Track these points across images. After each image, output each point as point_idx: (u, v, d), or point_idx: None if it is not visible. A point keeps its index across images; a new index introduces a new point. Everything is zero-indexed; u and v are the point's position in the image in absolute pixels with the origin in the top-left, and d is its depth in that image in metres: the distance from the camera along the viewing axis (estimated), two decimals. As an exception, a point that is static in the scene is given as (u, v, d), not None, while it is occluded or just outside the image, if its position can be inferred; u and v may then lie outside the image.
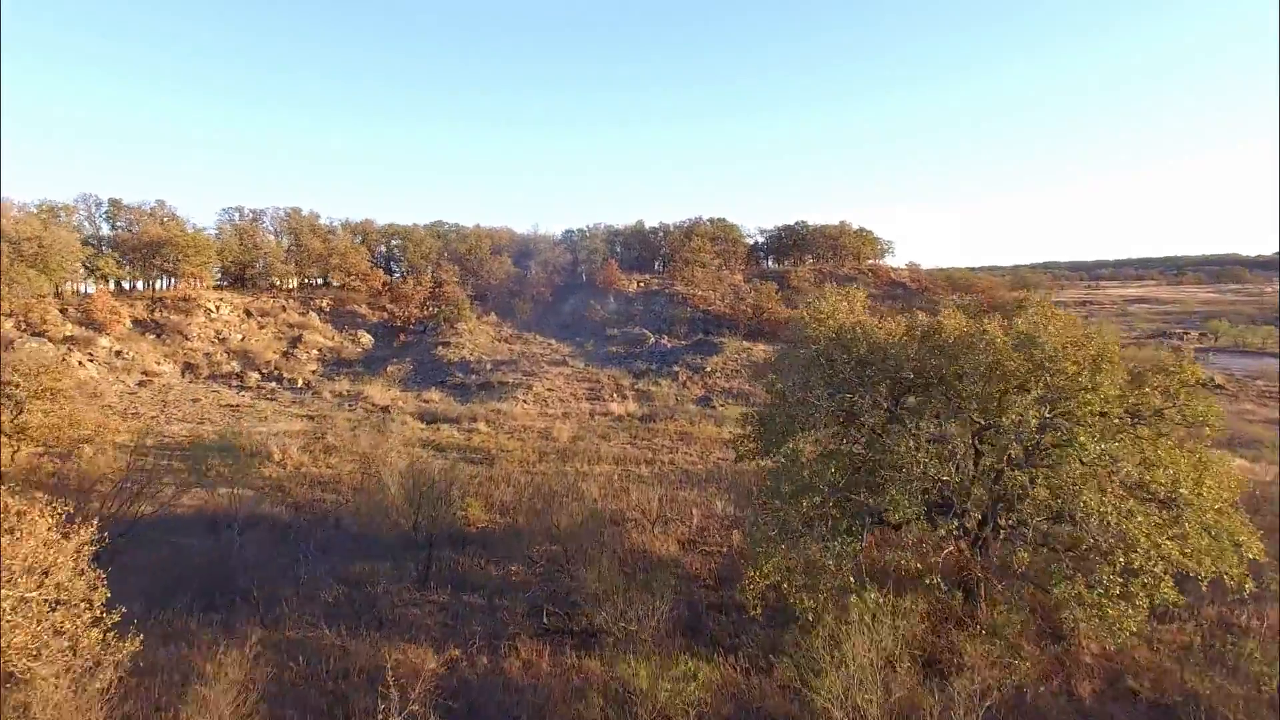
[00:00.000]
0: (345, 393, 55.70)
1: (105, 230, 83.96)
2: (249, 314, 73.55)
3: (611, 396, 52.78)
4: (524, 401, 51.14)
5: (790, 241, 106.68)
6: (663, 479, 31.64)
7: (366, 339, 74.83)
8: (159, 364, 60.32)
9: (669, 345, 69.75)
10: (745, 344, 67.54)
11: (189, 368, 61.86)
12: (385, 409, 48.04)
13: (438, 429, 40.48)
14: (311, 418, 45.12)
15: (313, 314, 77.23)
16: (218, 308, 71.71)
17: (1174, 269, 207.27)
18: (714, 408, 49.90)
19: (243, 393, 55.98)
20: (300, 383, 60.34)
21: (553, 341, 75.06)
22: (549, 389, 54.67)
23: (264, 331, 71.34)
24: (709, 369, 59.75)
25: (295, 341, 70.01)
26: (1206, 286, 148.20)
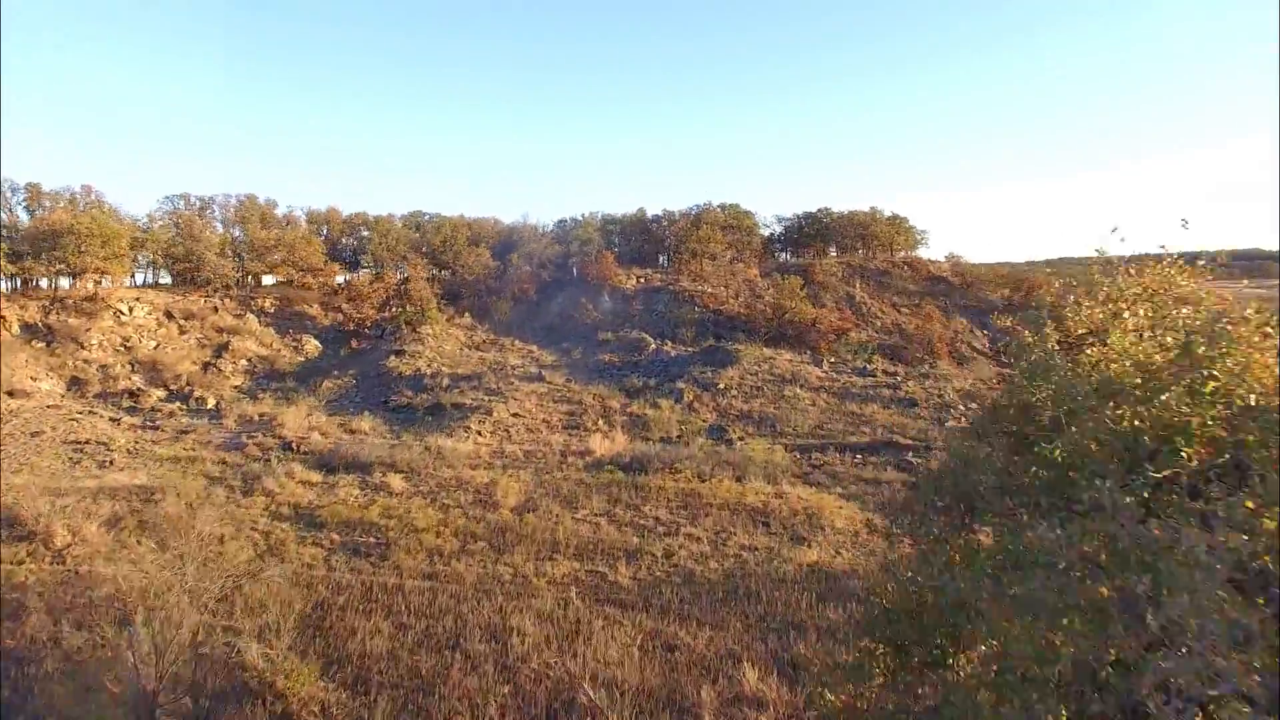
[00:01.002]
0: (257, 418, 43.46)
1: (24, 219, 72.97)
2: (170, 316, 61.48)
3: (595, 424, 40.25)
4: (479, 433, 38.71)
5: (812, 231, 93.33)
6: (650, 597, 18.94)
7: (313, 346, 62.55)
8: (34, 380, 48.27)
9: (673, 353, 57.06)
10: (767, 352, 54.74)
11: (76, 384, 49.82)
12: (289, 445, 35.76)
13: (334, 484, 28.03)
14: (177, 460, 32.83)
15: (251, 316, 65.01)
16: (131, 309, 59.66)
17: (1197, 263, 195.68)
18: (730, 442, 37.27)
19: (126, 417, 43.85)
20: (211, 403, 48.17)
21: (534, 348, 62.52)
22: (515, 414, 42.18)
23: (185, 338, 59.20)
24: (722, 385, 47.04)
25: (221, 350, 57.85)
26: (1244, 282, 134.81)
